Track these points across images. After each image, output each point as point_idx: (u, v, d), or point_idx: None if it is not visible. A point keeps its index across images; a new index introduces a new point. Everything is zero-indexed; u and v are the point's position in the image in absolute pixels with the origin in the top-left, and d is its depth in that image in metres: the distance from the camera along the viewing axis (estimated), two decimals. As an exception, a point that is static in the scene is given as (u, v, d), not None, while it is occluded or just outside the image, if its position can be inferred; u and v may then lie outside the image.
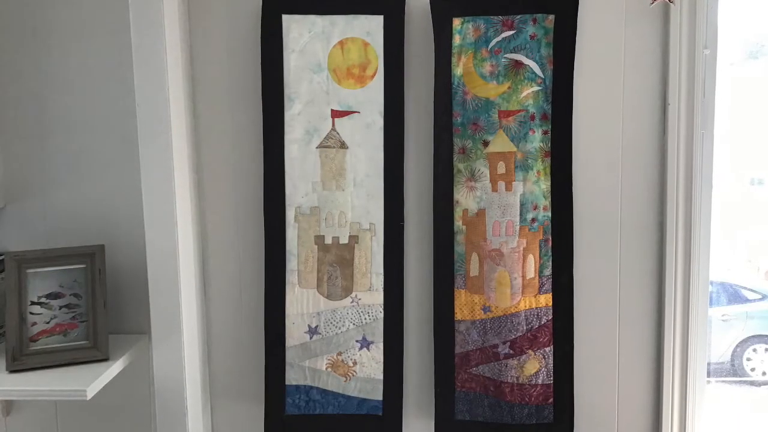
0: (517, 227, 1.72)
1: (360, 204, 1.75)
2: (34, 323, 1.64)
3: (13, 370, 1.60)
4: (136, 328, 1.81)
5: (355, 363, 1.78)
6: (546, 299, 1.74)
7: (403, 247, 1.76)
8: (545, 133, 1.70)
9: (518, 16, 1.67)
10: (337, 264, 1.76)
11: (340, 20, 1.70)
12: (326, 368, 1.78)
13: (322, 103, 1.73)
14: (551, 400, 1.75)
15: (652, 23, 1.70)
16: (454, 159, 1.72)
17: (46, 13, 1.75)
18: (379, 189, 1.74)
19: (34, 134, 1.79)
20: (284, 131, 1.73)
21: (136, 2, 1.61)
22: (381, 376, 1.78)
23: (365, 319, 1.77)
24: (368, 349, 1.78)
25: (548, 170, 1.71)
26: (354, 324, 1.78)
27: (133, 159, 1.67)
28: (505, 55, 1.69)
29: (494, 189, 1.72)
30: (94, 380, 1.55)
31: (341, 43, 1.71)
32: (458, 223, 1.73)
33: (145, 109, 1.64)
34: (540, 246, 1.73)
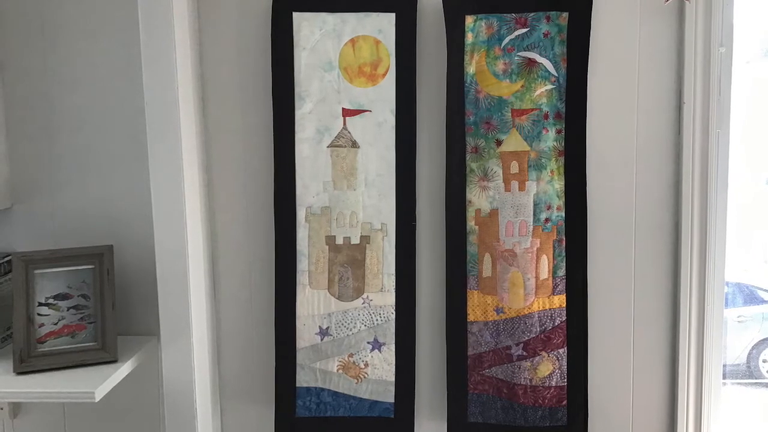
0: (531, 227, 1.70)
1: (371, 204, 1.73)
2: (42, 324, 1.62)
3: (20, 372, 1.58)
4: (145, 330, 1.79)
5: (366, 365, 1.76)
6: (559, 300, 1.72)
7: (415, 247, 1.75)
8: (559, 132, 1.68)
9: (532, 14, 1.65)
10: (348, 264, 1.75)
11: (351, 18, 1.69)
12: (337, 370, 1.76)
13: (333, 102, 1.71)
14: (565, 402, 1.73)
15: (667, 21, 1.68)
16: (467, 158, 1.70)
17: (54, 11, 1.74)
18: (390, 189, 1.72)
19: (42, 133, 1.77)
20: (295, 130, 1.71)
21: (146, 0, 1.59)
22: (393, 378, 1.76)
23: (377, 320, 1.75)
24: (380, 350, 1.76)
25: (562, 170, 1.69)
26: (365, 325, 1.76)
27: (142, 158, 1.66)
28: (519, 53, 1.67)
29: (507, 189, 1.70)
30: (102, 382, 1.53)
31: (352, 41, 1.70)
32: (471, 223, 1.72)
33: (154, 108, 1.62)
34: (553, 246, 1.71)
